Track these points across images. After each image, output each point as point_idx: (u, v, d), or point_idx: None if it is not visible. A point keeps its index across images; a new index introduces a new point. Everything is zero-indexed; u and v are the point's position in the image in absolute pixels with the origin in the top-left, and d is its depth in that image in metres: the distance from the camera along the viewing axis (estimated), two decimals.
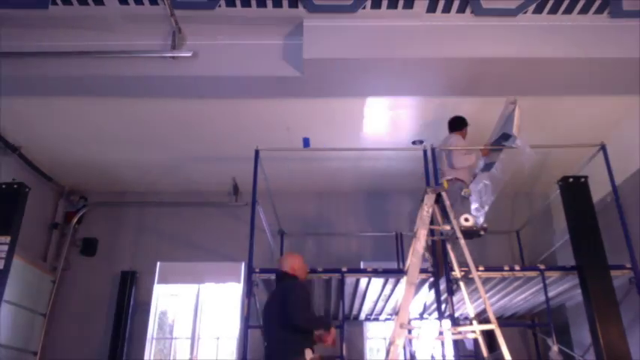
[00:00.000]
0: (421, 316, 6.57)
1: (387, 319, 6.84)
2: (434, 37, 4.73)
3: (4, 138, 6.23)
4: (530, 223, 7.20)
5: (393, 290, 5.51)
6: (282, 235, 7.23)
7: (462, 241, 4.05)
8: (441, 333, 4.25)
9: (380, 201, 7.77)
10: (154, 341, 7.24)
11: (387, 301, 5.95)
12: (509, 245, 7.49)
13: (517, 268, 4.93)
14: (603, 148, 5.22)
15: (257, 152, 5.34)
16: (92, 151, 6.73)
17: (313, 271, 4.96)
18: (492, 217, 7.72)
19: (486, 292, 5.36)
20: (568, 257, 5.32)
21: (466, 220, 4.37)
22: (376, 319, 6.86)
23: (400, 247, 7.22)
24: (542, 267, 4.96)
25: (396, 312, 4.15)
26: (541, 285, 5.01)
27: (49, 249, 7.24)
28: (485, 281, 4.97)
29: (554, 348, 4.67)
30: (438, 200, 4.39)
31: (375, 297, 5.79)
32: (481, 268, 4.80)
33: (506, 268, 4.93)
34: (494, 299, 5.72)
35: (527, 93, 5.38)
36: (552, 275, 4.96)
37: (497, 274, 4.91)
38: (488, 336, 4.10)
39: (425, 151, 5.34)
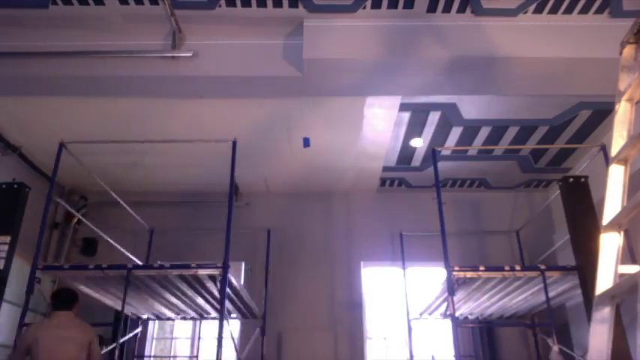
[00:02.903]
0: (421, 316, 6.58)
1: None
2: (434, 36, 4.73)
3: (4, 138, 6.23)
4: (530, 223, 7.21)
5: None
6: (281, 235, 7.25)
7: None
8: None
9: (380, 200, 7.78)
10: (154, 341, 7.24)
11: None
12: (509, 245, 7.51)
13: (518, 268, 4.93)
14: (603, 148, 5.22)
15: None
16: (92, 151, 6.72)
17: None
18: (494, 217, 7.78)
19: (487, 291, 5.37)
20: (568, 257, 5.32)
21: None
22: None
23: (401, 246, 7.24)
24: (542, 267, 4.95)
25: None
26: (541, 285, 5.01)
27: (49, 249, 7.24)
28: (485, 281, 4.97)
29: (555, 348, 4.66)
30: None
31: None
32: (482, 268, 4.80)
33: (506, 268, 4.93)
34: (494, 299, 5.72)
35: (527, 92, 5.39)
36: (553, 275, 4.96)
37: (498, 274, 4.91)
38: (488, 334, 4.11)
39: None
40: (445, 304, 4.78)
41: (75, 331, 4.01)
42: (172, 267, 4.80)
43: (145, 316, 6.78)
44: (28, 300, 4.59)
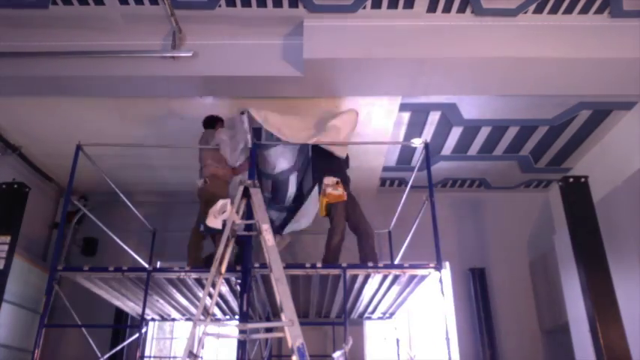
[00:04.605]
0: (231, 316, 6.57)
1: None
2: (434, 37, 4.73)
3: (4, 138, 6.24)
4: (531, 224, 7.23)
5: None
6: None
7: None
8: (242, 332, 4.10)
9: (378, 199, 7.77)
10: (154, 341, 7.23)
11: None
12: (509, 244, 7.53)
13: (319, 265, 4.72)
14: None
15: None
16: (92, 151, 6.72)
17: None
18: (493, 217, 7.76)
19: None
20: (568, 257, 5.33)
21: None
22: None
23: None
24: (344, 265, 4.71)
25: None
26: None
27: (49, 249, 7.24)
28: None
29: (346, 348, 4.14)
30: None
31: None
32: (283, 265, 4.63)
33: (307, 265, 4.72)
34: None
35: (527, 92, 5.40)
36: (357, 273, 4.80)
37: (300, 272, 4.74)
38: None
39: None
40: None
41: None
42: (192, 270, 4.82)
43: (149, 317, 6.78)
44: (48, 301, 4.67)
